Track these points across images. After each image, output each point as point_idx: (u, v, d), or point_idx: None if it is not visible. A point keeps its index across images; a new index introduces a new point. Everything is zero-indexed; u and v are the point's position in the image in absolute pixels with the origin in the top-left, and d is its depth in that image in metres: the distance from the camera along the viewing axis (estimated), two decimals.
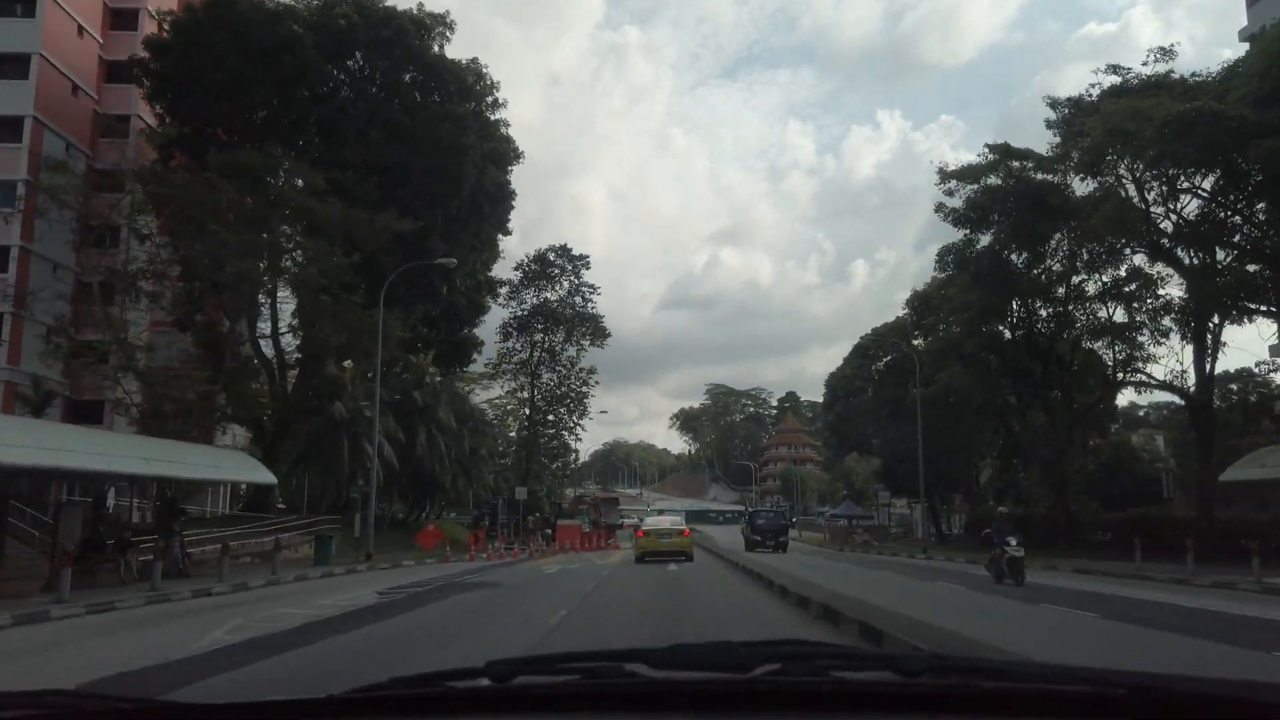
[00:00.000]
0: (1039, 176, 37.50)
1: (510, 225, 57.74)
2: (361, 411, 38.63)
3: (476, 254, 41.96)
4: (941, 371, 45.09)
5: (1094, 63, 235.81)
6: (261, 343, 37.72)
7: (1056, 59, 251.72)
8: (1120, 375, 37.75)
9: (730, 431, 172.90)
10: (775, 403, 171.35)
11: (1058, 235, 37.78)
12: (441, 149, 37.58)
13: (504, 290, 57.27)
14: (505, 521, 45.94)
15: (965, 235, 40.60)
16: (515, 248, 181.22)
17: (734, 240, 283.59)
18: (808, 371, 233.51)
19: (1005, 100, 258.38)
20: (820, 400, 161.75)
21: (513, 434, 62.29)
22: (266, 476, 26.55)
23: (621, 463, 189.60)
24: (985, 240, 40.38)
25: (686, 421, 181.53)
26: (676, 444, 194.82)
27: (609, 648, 1.88)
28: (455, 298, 42.79)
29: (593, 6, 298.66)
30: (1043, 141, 40.41)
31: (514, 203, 56.84)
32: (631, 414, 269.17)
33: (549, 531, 46.10)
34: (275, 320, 37.65)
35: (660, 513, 55.21)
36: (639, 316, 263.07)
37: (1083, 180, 35.25)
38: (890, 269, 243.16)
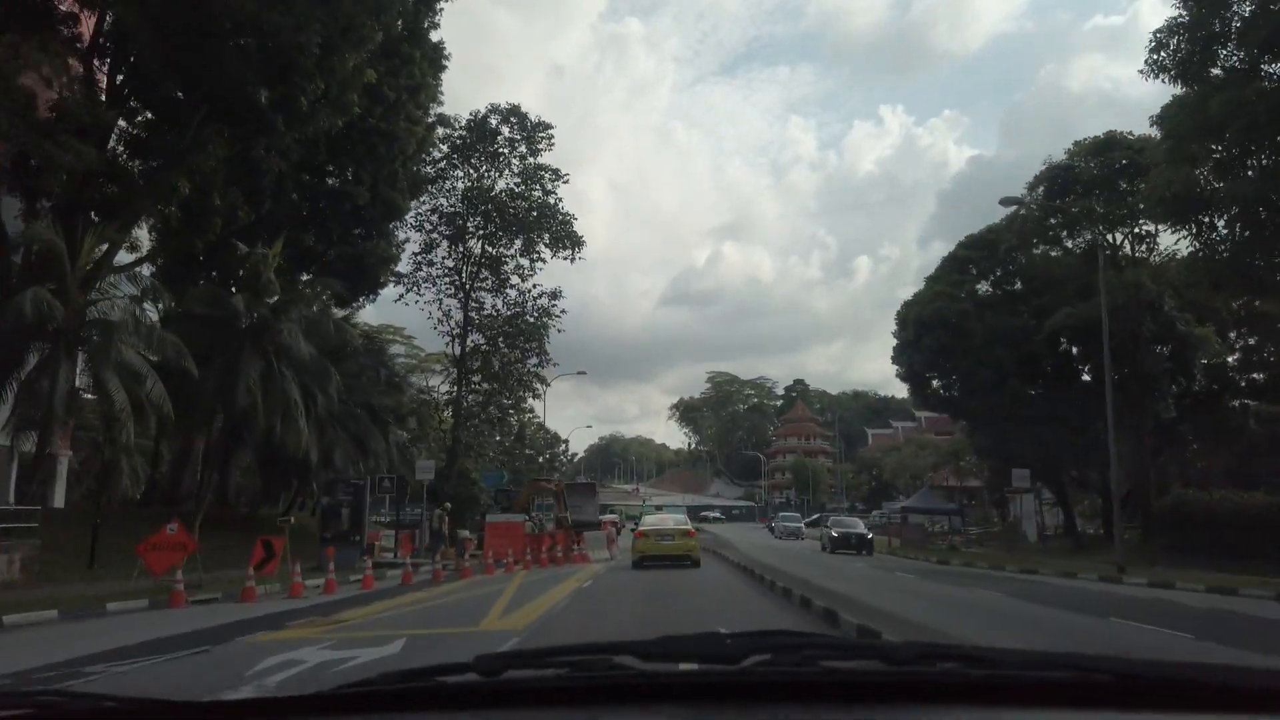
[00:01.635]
0: None
1: (442, 93, 40.58)
2: (106, 318, 20.85)
3: (348, 54, 23.85)
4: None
5: (1100, 56, 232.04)
6: None
7: (1064, 51, 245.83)
8: None
9: (733, 423, 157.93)
10: (781, 392, 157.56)
11: None
12: None
13: (430, 171, 38.50)
14: (411, 520, 28.17)
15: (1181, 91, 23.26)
16: None
17: (735, 235, 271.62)
18: (809, 369, 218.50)
19: (1010, 95, 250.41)
20: (828, 391, 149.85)
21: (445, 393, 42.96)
22: None
23: (618, 458, 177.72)
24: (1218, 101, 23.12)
25: (686, 413, 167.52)
26: (676, 439, 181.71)
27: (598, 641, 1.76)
28: (321, 160, 25.01)
29: None
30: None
31: (446, 61, 40.12)
32: (632, 412, 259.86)
33: (466, 533, 28.33)
34: None
35: (659, 509, 48.73)
36: (639, 312, 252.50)
37: None
38: (893, 265, 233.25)
